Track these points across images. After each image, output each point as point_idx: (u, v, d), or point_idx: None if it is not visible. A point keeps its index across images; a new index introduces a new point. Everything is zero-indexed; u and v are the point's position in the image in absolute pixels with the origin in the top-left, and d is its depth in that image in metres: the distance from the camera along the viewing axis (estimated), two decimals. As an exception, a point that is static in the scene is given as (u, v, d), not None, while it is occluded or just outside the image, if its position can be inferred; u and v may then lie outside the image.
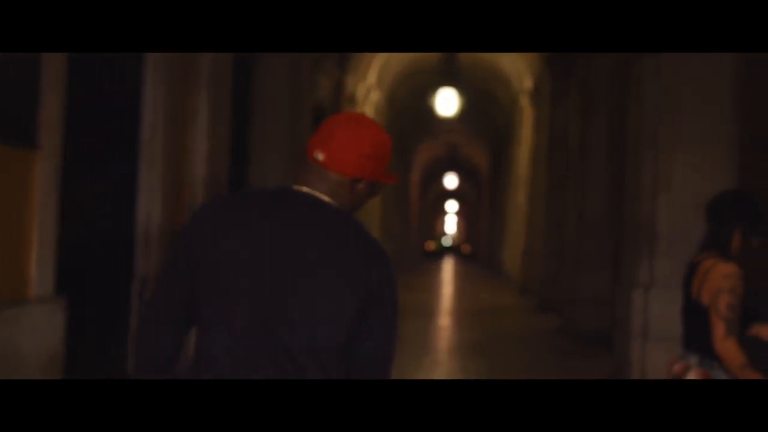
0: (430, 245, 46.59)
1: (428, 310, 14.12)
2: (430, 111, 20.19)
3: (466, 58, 17.68)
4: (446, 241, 53.40)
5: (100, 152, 6.12)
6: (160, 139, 6.60)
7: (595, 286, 10.42)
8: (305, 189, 1.86)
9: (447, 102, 18.38)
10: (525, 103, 18.83)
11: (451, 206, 58.50)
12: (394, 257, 25.01)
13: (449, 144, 32.47)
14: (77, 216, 5.78)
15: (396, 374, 2.09)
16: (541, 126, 16.25)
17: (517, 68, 18.33)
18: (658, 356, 6.40)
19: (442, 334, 11.33)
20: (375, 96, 18.64)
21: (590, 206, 10.62)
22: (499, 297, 17.57)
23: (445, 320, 13.09)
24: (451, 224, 62.86)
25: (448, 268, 33.35)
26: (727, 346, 2.94)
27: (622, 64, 9.06)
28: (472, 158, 34.71)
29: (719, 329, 2.96)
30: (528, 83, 18.03)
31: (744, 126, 6.82)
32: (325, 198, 1.85)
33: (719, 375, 3.03)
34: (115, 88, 6.27)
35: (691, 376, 3.09)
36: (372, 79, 17.95)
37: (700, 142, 6.87)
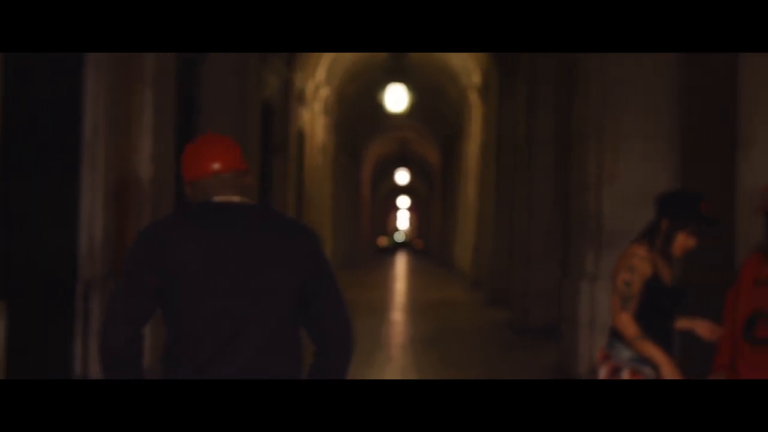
0: (383, 241, 46.67)
1: (381, 307, 14.15)
2: (379, 107, 20.22)
3: (414, 54, 17.74)
4: (399, 237, 53.55)
5: (40, 154, 5.98)
6: (102, 140, 6.48)
7: (544, 279, 10.56)
8: (221, 198, 2.17)
9: (396, 98, 18.43)
10: (474, 98, 18.97)
11: (403, 202, 58.68)
12: (346, 254, 24.99)
13: (400, 140, 32.55)
14: (18, 219, 5.65)
15: (349, 371, 2.37)
16: (490, 121, 16.39)
17: (466, 64, 18.46)
18: (605, 347, 6.52)
19: (395, 329, 11.37)
20: (324, 93, 18.59)
21: (538, 200, 10.75)
22: (451, 291, 17.69)
23: (398, 315, 13.13)
24: (403, 220, 63.05)
25: (400, 263, 33.43)
26: (621, 319, 3.08)
27: (568, 60, 9.19)
28: (423, 154, 34.86)
29: (615, 304, 3.11)
30: (476, 79, 18.17)
31: (685, 119, 6.98)
32: (237, 199, 2.18)
33: (616, 353, 3.15)
34: (54, 88, 6.14)
35: (598, 354, 3.24)
36: (321, 75, 17.90)
37: (642, 136, 7.00)
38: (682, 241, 3.17)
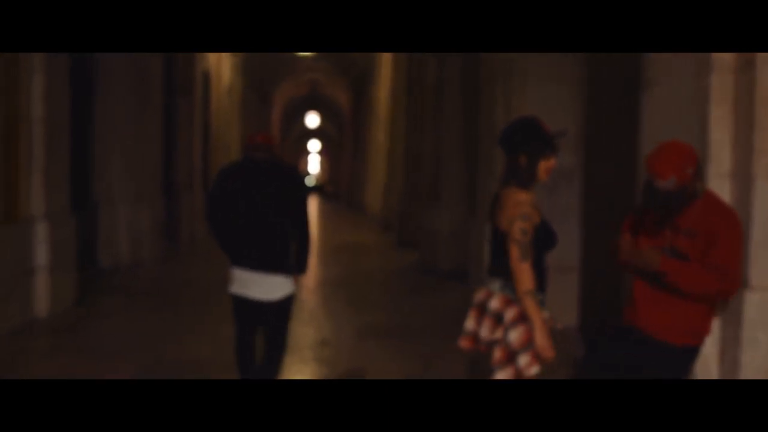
0: (294, 185, 46.20)
1: (291, 251, 14.05)
2: (288, 48, 19.74)
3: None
4: (309, 181, 53.27)
5: None
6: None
7: (452, 221, 10.67)
8: (257, 156, 4.31)
9: (305, 39, 18.02)
10: (384, 40, 18.75)
11: (314, 146, 58.20)
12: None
13: (310, 83, 32.07)
14: None
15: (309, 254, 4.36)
16: (399, 64, 16.28)
17: (376, 5, 18.19)
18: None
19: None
20: (231, 32, 18.02)
21: (446, 142, 10.79)
22: (361, 234, 17.75)
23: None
24: (314, 164, 62.65)
25: (311, 207, 33.31)
26: (521, 269, 3.06)
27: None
28: (334, 96, 34.50)
29: (515, 253, 3.08)
30: (386, 20, 17.93)
31: (589, 64, 7.07)
32: (266, 156, 4.30)
33: (516, 297, 3.14)
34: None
35: (494, 302, 3.19)
36: (227, 14, 17.33)
37: (547, 79, 7.07)
38: (545, 166, 3.18)
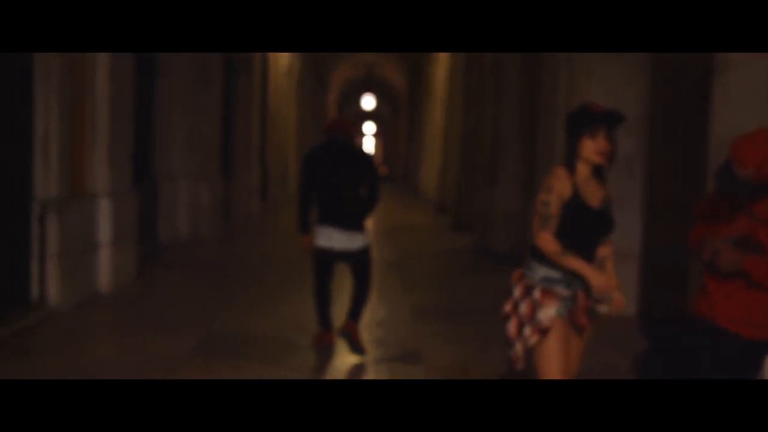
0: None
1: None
2: (346, 29, 19.71)
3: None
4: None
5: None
6: (56, 53, 6.19)
7: (509, 203, 10.55)
8: (341, 140, 5.54)
9: (363, 19, 17.97)
10: (442, 21, 18.58)
11: (369, 128, 58.24)
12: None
13: (366, 64, 32.03)
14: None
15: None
16: (457, 45, 16.09)
17: (434, -15, 18.01)
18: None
19: (359, 253, 11.34)
20: (289, 12, 18.07)
21: (505, 123, 10.66)
22: (416, 216, 17.70)
23: (362, 240, 13.09)
24: (368, 146, 62.73)
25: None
26: (542, 238, 3.12)
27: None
28: (390, 79, 34.40)
29: (535, 224, 3.15)
30: (445, 1, 17.75)
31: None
32: (349, 142, 5.56)
33: (531, 273, 3.21)
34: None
35: (514, 277, 3.29)
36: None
37: (612, 61, 6.90)
38: (590, 147, 3.15)
